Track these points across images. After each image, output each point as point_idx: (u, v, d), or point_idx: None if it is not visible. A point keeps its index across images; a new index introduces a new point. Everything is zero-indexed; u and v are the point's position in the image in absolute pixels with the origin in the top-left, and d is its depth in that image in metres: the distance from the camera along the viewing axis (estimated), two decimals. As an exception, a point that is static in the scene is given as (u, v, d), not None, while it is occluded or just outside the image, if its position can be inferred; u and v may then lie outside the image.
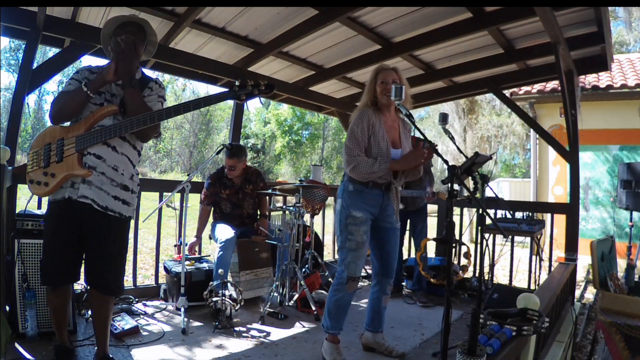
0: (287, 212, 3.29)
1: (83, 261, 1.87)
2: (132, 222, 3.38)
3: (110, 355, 1.95)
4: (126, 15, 1.86)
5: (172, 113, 1.74)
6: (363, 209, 2.14)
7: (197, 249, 3.44)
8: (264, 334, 2.61)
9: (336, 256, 5.08)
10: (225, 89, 1.81)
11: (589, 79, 6.42)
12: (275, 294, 3.07)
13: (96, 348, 1.96)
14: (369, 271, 3.92)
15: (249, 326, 2.72)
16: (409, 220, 3.59)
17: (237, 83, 1.74)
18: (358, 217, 2.13)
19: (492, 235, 3.91)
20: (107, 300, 1.90)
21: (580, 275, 5.12)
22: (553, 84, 6.69)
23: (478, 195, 1.73)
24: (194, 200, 3.39)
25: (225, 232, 3.05)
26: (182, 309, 2.66)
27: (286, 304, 3.16)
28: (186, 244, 3.10)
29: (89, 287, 2.02)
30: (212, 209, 3.36)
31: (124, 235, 1.91)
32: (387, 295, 2.34)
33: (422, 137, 1.75)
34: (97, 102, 1.79)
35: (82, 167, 1.71)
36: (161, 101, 1.92)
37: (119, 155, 1.81)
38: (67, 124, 1.84)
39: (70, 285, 1.94)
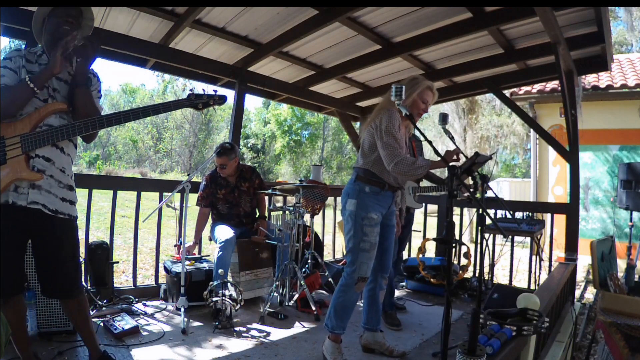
0: (287, 212, 3.29)
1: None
2: (132, 222, 3.38)
3: (111, 355, 1.94)
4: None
5: (130, 117, 1.68)
6: (377, 210, 2.16)
7: (196, 250, 3.45)
8: (264, 334, 2.61)
9: (337, 256, 5.10)
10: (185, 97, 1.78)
11: (589, 79, 6.42)
12: (275, 294, 3.07)
13: (89, 352, 1.89)
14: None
15: (249, 326, 2.72)
16: None
17: (194, 91, 1.73)
18: (374, 218, 2.14)
19: (492, 235, 3.91)
20: (80, 302, 1.82)
21: (580, 275, 5.13)
22: (553, 84, 6.69)
23: (478, 195, 1.73)
24: (194, 200, 3.39)
25: (224, 232, 3.05)
26: (182, 309, 2.66)
27: (286, 304, 3.16)
28: (187, 243, 3.11)
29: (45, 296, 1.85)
30: (210, 210, 3.36)
31: (75, 235, 1.83)
32: (383, 290, 2.37)
33: (423, 137, 1.76)
34: (41, 97, 1.67)
35: (31, 171, 1.60)
36: (100, 97, 1.86)
37: (65, 156, 1.74)
38: None
39: (22, 297, 1.78)
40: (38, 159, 1.64)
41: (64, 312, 1.93)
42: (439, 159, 2.08)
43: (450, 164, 1.56)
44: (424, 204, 3.23)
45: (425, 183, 3.43)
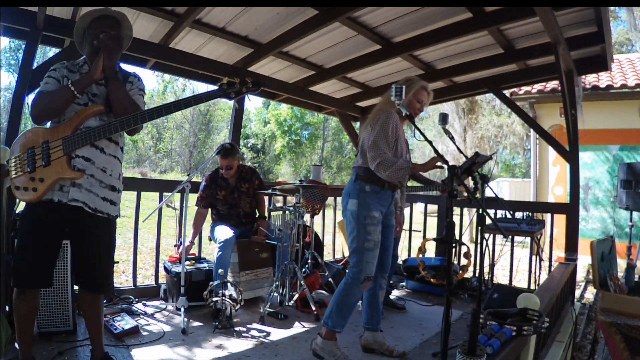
0: (287, 212, 3.29)
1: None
2: (132, 222, 3.38)
3: (111, 355, 1.95)
4: (102, 8, 1.80)
5: (162, 112, 1.70)
6: (378, 208, 2.18)
7: (196, 251, 3.44)
8: (264, 334, 2.61)
9: (337, 256, 5.10)
10: (216, 87, 1.79)
11: (589, 79, 6.42)
12: (275, 294, 3.07)
13: (91, 352, 1.93)
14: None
15: (249, 326, 2.72)
16: None
17: (224, 81, 1.74)
18: (376, 216, 2.16)
19: (492, 235, 3.91)
20: (98, 299, 1.89)
21: (580, 275, 5.13)
22: (553, 84, 6.69)
23: (478, 195, 1.73)
24: (194, 200, 3.39)
25: (224, 232, 3.06)
26: (182, 309, 2.66)
27: (286, 304, 3.16)
28: (180, 243, 3.10)
29: (79, 288, 1.94)
30: (210, 211, 3.36)
31: (112, 234, 1.91)
32: (383, 290, 2.38)
33: (423, 137, 1.75)
34: (81, 102, 1.76)
35: (72, 170, 1.69)
36: (142, 94, 1.92)
37: (107, 156, 1.80)
38: (48, 125, 1.78)
39: (39, 291, 1.85)
40: (78, 159, 1.72)
41: (80, 305, 1.99)
42: (423, 163, 2.13)
43: (449, 165, 1.56)
44: (409, 204, 3.23)
45: (412, 182, 3.44)
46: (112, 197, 1.83)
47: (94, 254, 1.79)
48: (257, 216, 3.45)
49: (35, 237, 1.71)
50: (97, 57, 1.74)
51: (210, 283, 2.72)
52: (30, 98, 1.81)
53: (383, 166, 2.05)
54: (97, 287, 1.84)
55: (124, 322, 2.47)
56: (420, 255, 2.65)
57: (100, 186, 1.77)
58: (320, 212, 4.14)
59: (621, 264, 4.08)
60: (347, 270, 2.25)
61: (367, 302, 2.38)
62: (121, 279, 4.47)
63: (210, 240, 3.31)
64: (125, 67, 1.98)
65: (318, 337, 2.22)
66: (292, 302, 3.17)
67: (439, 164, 2.02)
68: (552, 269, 3.46)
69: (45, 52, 14.80)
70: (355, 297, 2.19)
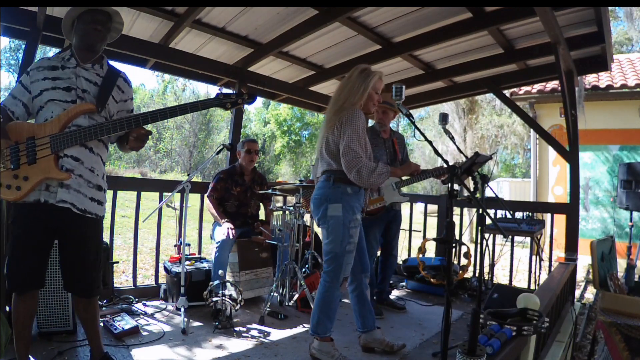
0: (287, 212, 3.29)
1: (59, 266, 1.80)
2: (132, 222, 3.39)
3: (111, 355, 1.95)
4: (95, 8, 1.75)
5: (157, 117, 1.69)
6: (359, 210, 2.18)
7: (196, 250, 3.44)
8: (264, 334, 2.61)
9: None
10: (228, 89, 1.79)
11: (589, 79, 6.42)
12: (275, 294, 3.07)
13: (90, 352, 1.92)
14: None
15: (249, 326, 2.72)
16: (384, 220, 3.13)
17: (221, 91, 1.75)
18: (359, 219, 2.15)
19: (492, 235, 3.91)
20: (93, 302, 1.85)
21: (580, 275, 5.13)
22: (553, 84, 6.69)
23: (478, 195, 1.73)
24: (194, 200, 3.39)
25: (222, 233, 3.07)
26: (182, 309, 2.66)
27: (286, 304, 3.16)
28: (187, 244, 3.10)
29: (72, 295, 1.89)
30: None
31: (100, 236, 1.88)
32: (368, 289, 2.37)
33: (423, 137, 1.76)
34: (69, 99, 1.69)
35: (60, 170, 1.64)
36: (132, 105, 1.91)
37: (95, 156, 1.77)
38: (32, 120, 1.73)
39: (37, 292, 1.80)
40: (67, 159, 1.67)
41: (75, 308, 1.96)
42: (401, 167, 2.12)
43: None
44: (409, 199, 3.21)
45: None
46: (99, 197, 1.80)
47: (83, 258, 1.75)
48: (261, 219, 3.48)
49: (27, 239, 1.67)
50: None
51: (210, 283, 2.72)
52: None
53: (364, 173, 1.99)
54: (89, 291, 1.80)
55: (124, 322, 2.46)
56: (420, 255, 2.65)
57: (88, 186, 1.73)
58: (320, 212, 4.13)
59: (621, 264, 4.08)
60: (322, 274, 2.20)
61: (357, 306, 2.34)
62: (121, 279, 4.47)
63: (211, 239, 3.32)
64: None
65: (315, 341, 2.21)
66: (292, 302, 3.17)
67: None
68: (552, 269, 3.46)
69: (45, 52, 14.80)
70: (337, 298, 2.18)
